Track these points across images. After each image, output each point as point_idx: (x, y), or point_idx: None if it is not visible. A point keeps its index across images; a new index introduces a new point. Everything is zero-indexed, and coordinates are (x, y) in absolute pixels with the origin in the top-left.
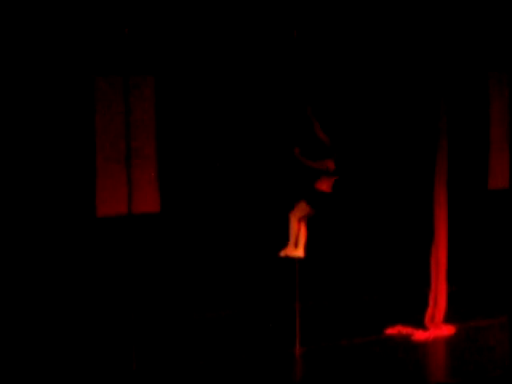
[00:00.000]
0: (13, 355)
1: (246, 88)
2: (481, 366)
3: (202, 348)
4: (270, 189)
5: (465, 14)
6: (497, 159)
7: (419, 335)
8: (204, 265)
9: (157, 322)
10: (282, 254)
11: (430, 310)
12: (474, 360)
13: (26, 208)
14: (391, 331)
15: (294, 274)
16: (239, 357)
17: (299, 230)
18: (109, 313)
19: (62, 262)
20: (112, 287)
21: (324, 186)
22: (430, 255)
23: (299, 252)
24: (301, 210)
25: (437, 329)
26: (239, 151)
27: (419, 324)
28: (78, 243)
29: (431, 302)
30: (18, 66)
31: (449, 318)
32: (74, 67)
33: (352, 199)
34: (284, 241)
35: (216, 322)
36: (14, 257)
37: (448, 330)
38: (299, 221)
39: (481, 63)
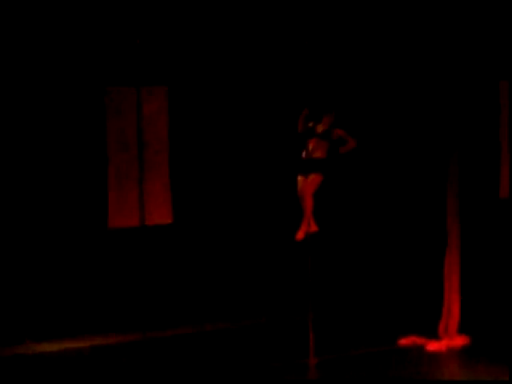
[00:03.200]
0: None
1: (260, 99)
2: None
3: (216, 359)
4: (279, 199)
5: (476, 24)
6: (507, 168)
7: (433, 345)
8: (216, 275)
9: (169, 333)
10: (300, 236)
11: (443, 321)
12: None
13: (38, 219)
14: (405, 341)
15: (307, 285)
16: (253, 368)
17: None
18: (122, 324)
19: (73, 273)
20: (124, 298)
21: (319, 152)
22: (443, 265)
23: (314, 227)
24: (312, 184)
25: (450, 339)
26: (252, 162)
27: (433, 334)
28: (90, 255)
29: (445, 312)
30: (31, 78)
31: (462, 328)
32: (86, 78)
33: (366, 209)
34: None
35: (229, 333)
36: (26, 267)
37: (462, 341)
38: (312, 196)
39: (491, 73)
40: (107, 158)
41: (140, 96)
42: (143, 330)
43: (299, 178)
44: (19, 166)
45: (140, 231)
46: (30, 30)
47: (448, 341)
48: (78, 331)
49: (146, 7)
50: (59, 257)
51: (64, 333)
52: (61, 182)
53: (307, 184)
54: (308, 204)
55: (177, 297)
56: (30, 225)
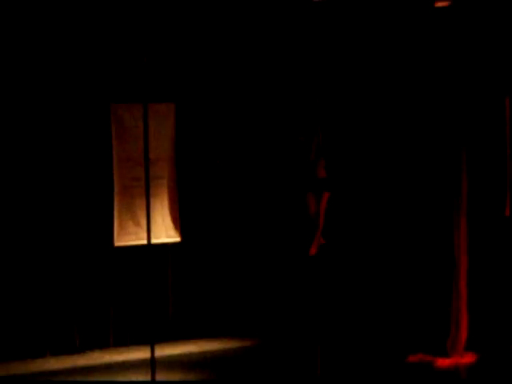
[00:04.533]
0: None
1: (266, 116)
2: None
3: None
4: (287, 217)
5: (481, 39)
6: None
7: (441, 363)
8: (223, 293)
9: (177, 350)
10: (313, 251)
11: (451, 338)
12: None
13: (45, 237)
14: (413, 359)
15: (316, 301)
16: None
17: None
18: (129, 341)
19: (79, 291)
20: (131, 315)
21: (321, 172)
22: (451, 283)
23: (321, 240)
24: (325, 201)
25: (458, 356)
26: (260, 178)
27: (441, 351)
28: (96, 273)
29: (453, 330)
30: (38, 94)
31: (470, 346)
32: (93, 95)
33: (374, 225)
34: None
35: (236, 352)
36: (32, 285)
37: (470, 358)
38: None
39: (498, 88)
40: (113, 175)
41: (147, 113)
42: (151, 346)
43: (310, 196)
44: (26, 182)
45: (147, 249)
46: (37, 45)
47: (456, 358)
48: (83, 348)
49: (153, 24)
50: (65, 275)
51: (67, 349)
52: (67, 200)
53: (322, 202)
54: (322, 220)
55: (183, 314)
56: (37, 242)
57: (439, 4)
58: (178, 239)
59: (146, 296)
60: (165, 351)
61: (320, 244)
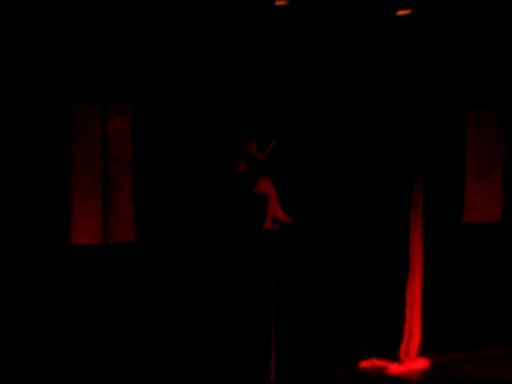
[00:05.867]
0: None
1: (223, 117)
2: None
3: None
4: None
5: (442, 51)
6: (471, 193)
7: (394, 368)
8: (179, 294)
9: (133, 351)
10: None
11: (404, 343)
12: None
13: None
14: (365, 364)
15: (269, 308)
16: None
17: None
18: (83, 342)
19: (34, 289)
20: (86, 316)
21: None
22: (405, 288)
23: (286, 218)
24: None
25: (411, 362)
26: (215, 180)
27: (394, 357)
28: (52, 271)
29: (406, 335)
30: None
31: (423, 352)
32: (51, 96)
33: (328, 230)
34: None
35: (193, 351)
36: None
37: (422, 364)
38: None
39: (458, 99)
40: (71, 175)
41: (105, 113)
42: (108, 349)
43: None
44: None
45: (103, 248)
46: None
47: (409, 364)
48: (43, 350)
49: (110, 26)
50: (20, 272)
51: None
52: (24, 198)
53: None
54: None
55: (138, 315)
56: None
57: (401, 13)
58: (132, 239)
59: (102, 295)
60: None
61: (285, 222)
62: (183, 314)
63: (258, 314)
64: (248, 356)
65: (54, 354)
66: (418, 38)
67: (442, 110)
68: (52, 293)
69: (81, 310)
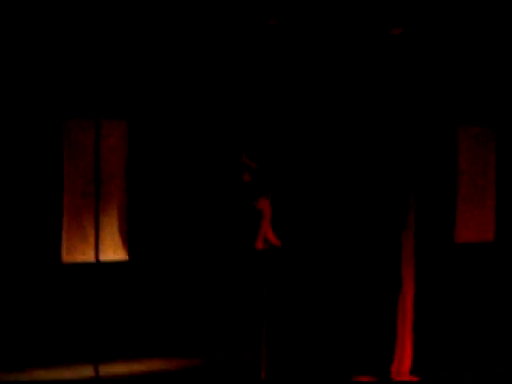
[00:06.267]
0: None
1: (216, 134)
2: None
3: None
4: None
5: (434, 69)
6: (464, 213)
7: None
8: (171, 313)
9: (124, 370)
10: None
11: (395, 362)
12: None
13: None
14: (356, 382)
15: (261, 325)
16: None
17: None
18: (74, 360)
19: (25, 307)
20: (78, 335)
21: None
22: (397, 307)
23: (276, 240)
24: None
25: (402, 381)
26: (209, 198)
27: (385, 376)
28: (43, 289)
29: (397, 354)
30: None
31: (414, 370)
32: (44, 110)
33: (320, 248)
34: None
35: (186, 371)
36: None
37: (413, 382)
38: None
39: (450, 118)
40: (63, 192)
41: (98, 129)
42: (95, 365)
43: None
44: None
45: (95, 267)
46: None
47: (400, 383)
48: (30, 367)
49: (105, 41)
50: (11, 292)
51: (13, 367)
52: (15, 215)
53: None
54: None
55: (130, 332)
56: None
57: (395, 31)
58: (125, 258)
59: (93, 314)
60: (111, 369)
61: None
62: (175, 332)
63: (249, 331)
64: (239, 379)
65: (46, 372)
66: (411, 56)
67: (434, 129)
68: (44, 312)
69: (72, 328)
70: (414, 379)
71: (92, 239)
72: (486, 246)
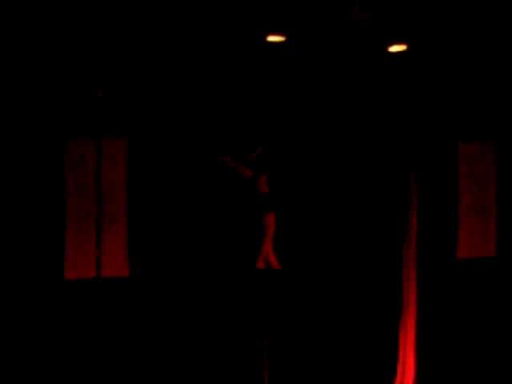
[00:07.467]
0: None
1: (216, 151)
2: None
3: None
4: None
5: (435, 85)
6: (465, 228)
7: None
8: (172, 329)
9: None
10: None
11: (398, 379)
12: None
13: None
14: None
15: (262, 342)
16: None
17: None
18: (77, 376)
19: (28, 324)
20: (79, 350)
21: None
22: (399, 324)
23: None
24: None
25: None
26: (210, 215)
27: None
28: (46, 306)
29: (399, 371)
30: None
31: None
32: (46, 128)
33: (321, 266)
34: None
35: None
36: None
37: None
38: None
39: (451, 134)
40: (65, 209)
41: (100, 148)
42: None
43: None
44: None
45: (96, 283)
46: None
47: None
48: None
49: (107, 59)
50: (14, 308)
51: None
52: (18, 233)
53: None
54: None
55: (131, 351)
56: None
57: (393, 49)
58: (126, 274)
59: (95, 328)
60: None
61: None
62: (176, 349)
63: (250, 348)
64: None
65: None
66: (412, 72)
67: (435, 145)
68: (46, 328)
69: (74, 344)
70: None
71: (93, 256)
72: (487, 260)
